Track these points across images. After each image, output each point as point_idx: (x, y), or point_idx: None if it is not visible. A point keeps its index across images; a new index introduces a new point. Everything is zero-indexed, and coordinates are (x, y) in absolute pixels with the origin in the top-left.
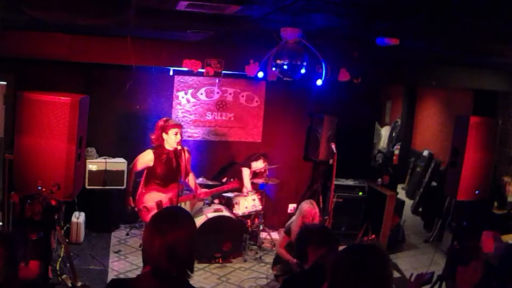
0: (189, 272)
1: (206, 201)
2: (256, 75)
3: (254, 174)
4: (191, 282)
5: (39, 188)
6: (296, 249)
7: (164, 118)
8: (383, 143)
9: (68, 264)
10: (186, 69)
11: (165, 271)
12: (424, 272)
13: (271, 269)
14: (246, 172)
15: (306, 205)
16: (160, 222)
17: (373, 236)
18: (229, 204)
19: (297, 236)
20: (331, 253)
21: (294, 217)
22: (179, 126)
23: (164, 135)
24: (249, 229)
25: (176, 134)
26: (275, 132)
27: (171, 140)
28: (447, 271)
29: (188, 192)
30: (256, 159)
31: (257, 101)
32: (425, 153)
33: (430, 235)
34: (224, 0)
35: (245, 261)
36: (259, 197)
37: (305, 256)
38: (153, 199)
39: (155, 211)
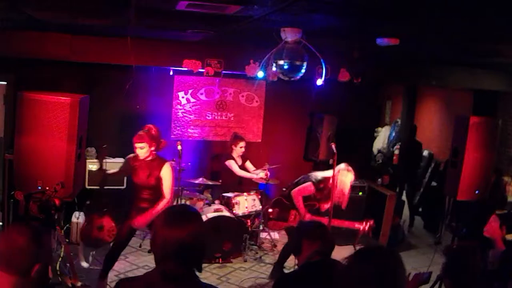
0: (196, 272)
1: (207, 201)
2: (256, 75)
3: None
4: None
5: (39, 188)
6: (292, 240)
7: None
8: (383, 143)
9: (68, 264)
10: (186, 69)
11: (172, 270)
12: (422, 272)
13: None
14: (231, 163)
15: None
16: (170, 218)
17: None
18: (229, 204)
19: (294, 228)
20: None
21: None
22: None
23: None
24: (249, 229)
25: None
26: (275, 132)
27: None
28: (444, 270)
29: (188, 192)
30: (235, 144)
31: (257, 101)
32: (425, 153)
33: (438, 236)
34: (224, 0)
35: (245, 261)
36: (259, 197)
37: (300, 248)
38: None
39: None
